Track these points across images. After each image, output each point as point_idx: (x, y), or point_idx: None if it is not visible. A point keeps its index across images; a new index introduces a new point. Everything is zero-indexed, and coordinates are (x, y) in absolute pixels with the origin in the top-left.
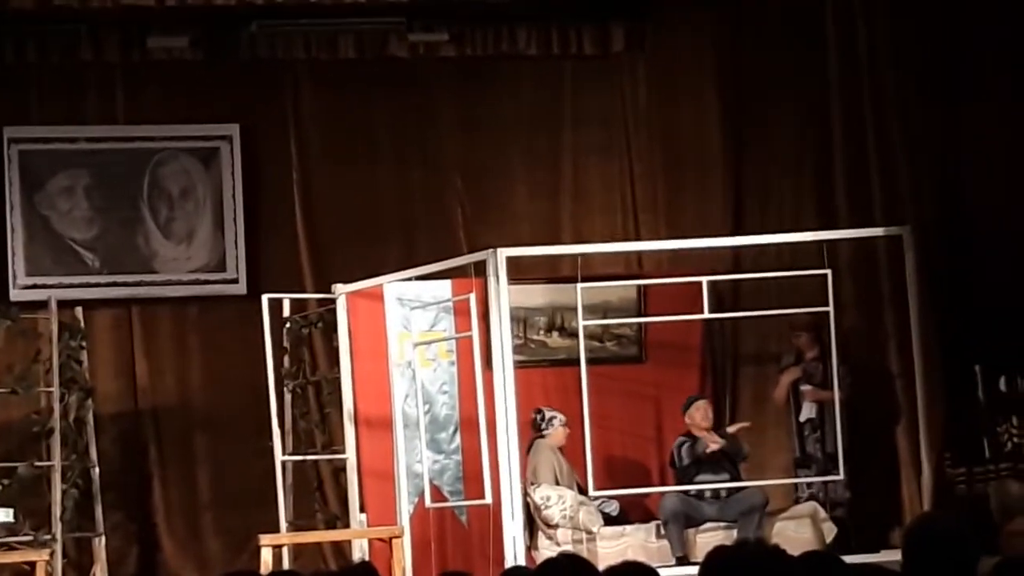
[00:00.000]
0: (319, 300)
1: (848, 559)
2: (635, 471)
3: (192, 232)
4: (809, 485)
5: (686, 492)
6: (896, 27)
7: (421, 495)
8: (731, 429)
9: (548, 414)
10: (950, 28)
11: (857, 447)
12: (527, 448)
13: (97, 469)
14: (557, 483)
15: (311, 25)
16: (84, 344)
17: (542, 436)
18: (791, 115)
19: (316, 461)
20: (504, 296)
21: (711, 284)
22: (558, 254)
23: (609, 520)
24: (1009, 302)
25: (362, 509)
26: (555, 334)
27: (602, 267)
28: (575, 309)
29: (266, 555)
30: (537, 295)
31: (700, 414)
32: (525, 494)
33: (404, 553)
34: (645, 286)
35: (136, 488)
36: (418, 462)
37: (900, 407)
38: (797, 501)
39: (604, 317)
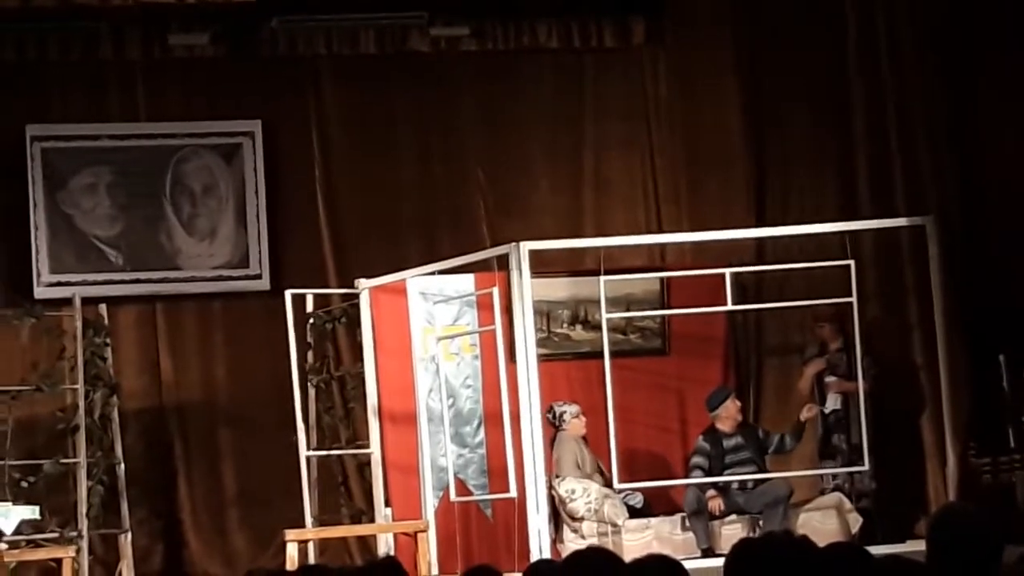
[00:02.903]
0: (342, 295)
1: (874, 550)
2: (659, 463)
3: (215, 228)
4: (834, 476)
5: (713, 485)
6: (917, 16)
7: (446, 489)
8: (804, 416)
9: (559, 410)
10: (972, 17)
11: (882, 438)
12: (551, 441)
13: (123, 466)
14: (579, 469)
15: (332, 20)
16: (108, 341)
17: (563, 429)
18: (812, 105)
19: (341, 456)
20: (527, 289)
21: (734, 276)
22: (581, 247)
23: (634, 513)
24: None
25: (387, 503)
26: (578, 327)
27: (625, 260)
28: (598, 302)
29: (291, 550)
30: (560, 288)
31: (736, 408)
32: (550, 487)
33: (429, 547)
34: (668, 278)
35: (161, 484)
36: (443, 456)
37: (924, 397)
38: (822, 492)
39: (627, 310)
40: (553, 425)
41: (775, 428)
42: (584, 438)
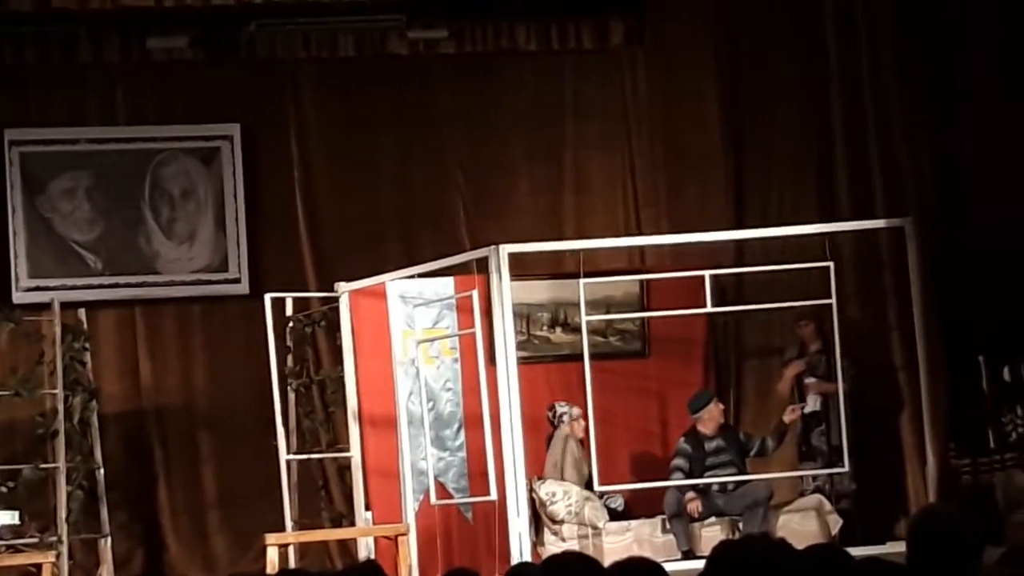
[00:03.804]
0: (322, 299)
1: (854, 551)
2: (639, 466)
3: (194, 232)
4: (814, 478)
5: (693, 487)
6: (897, 18)
7: (426, 492)
8: (788, 418)
9: (559, 411)
10: (952, 18)
11: (862, 439)
12: (547, 439)
13: (102, 470)
14: (575, 470)
15: (310, 24)
16: (88, 345)
17: (559, 428)
18: (791, 107)
19: (321, 460)
20: (507, 292)
21: (714, 278)
22: (560, 250)
23: (614, 515)
24: (1011, 292)
25: (367, 507)
26: (558, 330)
27: (605, 262)
28: (578, 304)
29: (272, 554)
30: (540, 291)
31: (718, 411)
32: (530, 490)
33: (410, 551)
34: (648, 281)
35: (141, 488)
36: (423, 459)
37: (903, 398)
38: (802, 494)
39: (607, 312)
40: (552, 424)
41: (756, 430)
42: (581, 442)
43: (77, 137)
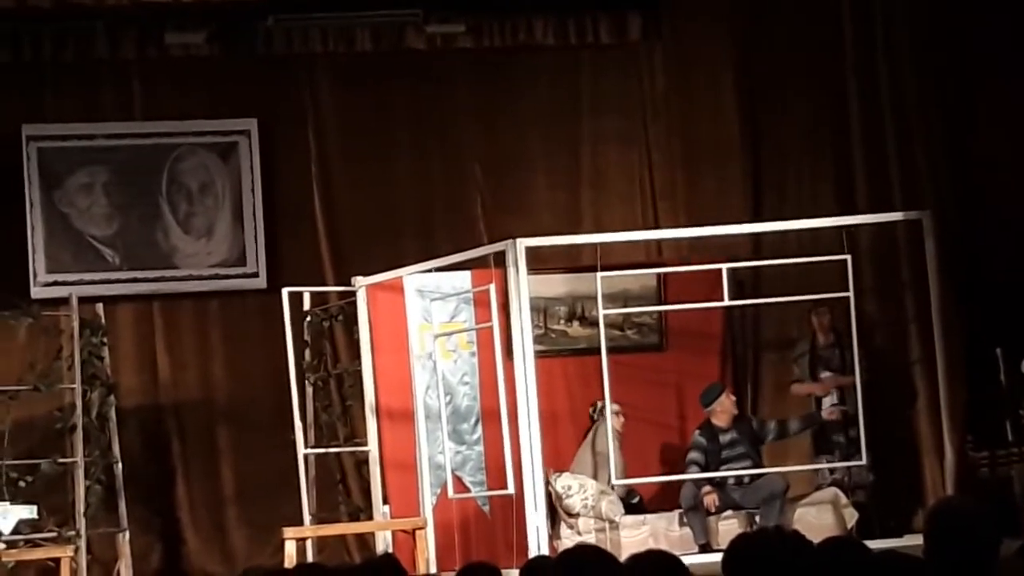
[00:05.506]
0: (339, 293)
1: (871, 544)
2: (656, 459)
3: (212, 227)
4: (832, 471)
5: (708, 480)
6: (914, 11)
7: (444, 486)
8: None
9: (599, 405)
10: (968, 11)
11: (879, 432)
12: (584, 434)
13: (120, 465)
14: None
15: (327, 18)
16: (105, 340)
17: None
18: (809, 100)
19: (339, 454)
20: (524, 286)
21: (731, 271)
22: (577, 243)
23: (630, 509)
24: None
25: (385, 501)
26: (575, 323)
27: (622, 255)
28: (595, 298)
29: (290, 548)
30: (557, 284)
31: (730, 402)
32: (547, 483)
33: (428, 544)
34: (665, 274)
35: (159, 483)
36: (440, 453)
37: (917, 391)
38: (819, 487)
39: (624, 305)
40: (592, 419)
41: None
42: (620, 435)
43: (94, 132)
